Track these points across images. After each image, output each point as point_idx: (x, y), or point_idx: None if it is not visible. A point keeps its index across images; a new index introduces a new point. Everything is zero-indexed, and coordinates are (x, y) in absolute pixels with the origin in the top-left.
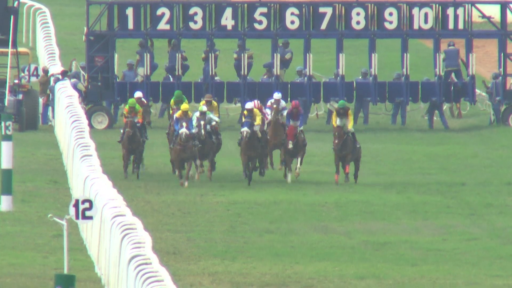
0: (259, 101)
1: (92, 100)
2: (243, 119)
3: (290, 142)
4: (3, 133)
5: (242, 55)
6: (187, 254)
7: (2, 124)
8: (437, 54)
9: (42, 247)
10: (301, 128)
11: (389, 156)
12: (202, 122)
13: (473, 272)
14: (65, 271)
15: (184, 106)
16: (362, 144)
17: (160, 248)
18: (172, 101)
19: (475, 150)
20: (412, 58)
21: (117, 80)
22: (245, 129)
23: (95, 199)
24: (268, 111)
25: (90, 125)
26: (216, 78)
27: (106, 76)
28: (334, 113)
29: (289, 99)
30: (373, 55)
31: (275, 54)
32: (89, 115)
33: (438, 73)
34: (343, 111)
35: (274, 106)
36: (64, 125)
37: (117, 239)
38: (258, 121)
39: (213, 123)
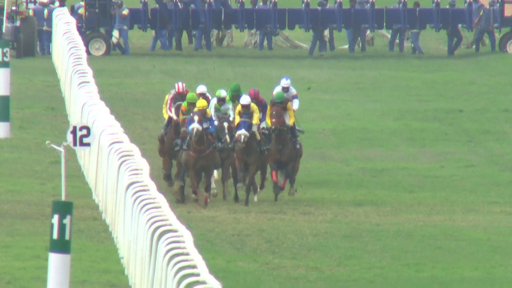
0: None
1: (90, 27)
2: (237, 118)
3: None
4: (0, 59)
5: None
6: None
7: (0, 50)
8: None
9: (40, 174)
10: (262, 125)
11: (386, 82)
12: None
13: (471, 198)
14: (63, 198)
15: (202, 102)
16: (360, 70)
17: (158, 175)
18: (227, 96)
19: (472, 77)
20: None
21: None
22: (242, 132)
23: (93, 125)
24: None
25: (88, 51)
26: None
27: (104, 2)
28: (268, 108)
29: (286, 27)
30: None
31: None
32: (87, 41)
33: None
34: (281, 105)
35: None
36: (61, 51)
37: (114, 166)
38: (256, 119)
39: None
